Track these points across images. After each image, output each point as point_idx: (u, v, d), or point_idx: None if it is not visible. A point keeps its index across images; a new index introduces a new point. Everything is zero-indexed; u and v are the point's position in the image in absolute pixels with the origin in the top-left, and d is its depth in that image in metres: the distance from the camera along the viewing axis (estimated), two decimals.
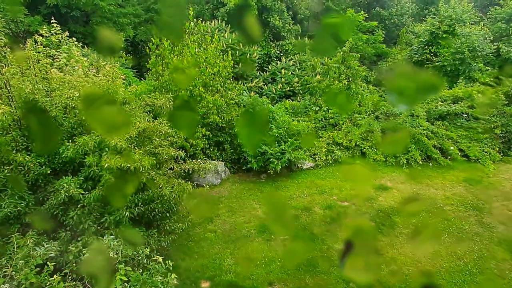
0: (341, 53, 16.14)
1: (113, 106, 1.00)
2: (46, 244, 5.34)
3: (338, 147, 13.76)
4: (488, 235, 8.99)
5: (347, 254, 1.05)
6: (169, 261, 5.59)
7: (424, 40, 20.17)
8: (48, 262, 4.89)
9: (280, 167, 11.63)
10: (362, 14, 21.73)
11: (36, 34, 8.57)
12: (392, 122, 14.06)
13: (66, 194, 5.99)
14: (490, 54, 18.62)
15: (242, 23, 1.03)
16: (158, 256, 5.55)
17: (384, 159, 13.29)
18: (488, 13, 24.83)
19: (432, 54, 19.35)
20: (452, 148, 13.31)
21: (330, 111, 15.07)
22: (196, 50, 12.17)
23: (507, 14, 21.90)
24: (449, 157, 13.25)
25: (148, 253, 5.69)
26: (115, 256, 5.18)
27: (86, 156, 6.49)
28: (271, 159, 11.68)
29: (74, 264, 5.22)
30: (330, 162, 13.21)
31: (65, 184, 6.07)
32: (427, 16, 22.10)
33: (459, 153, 13.32)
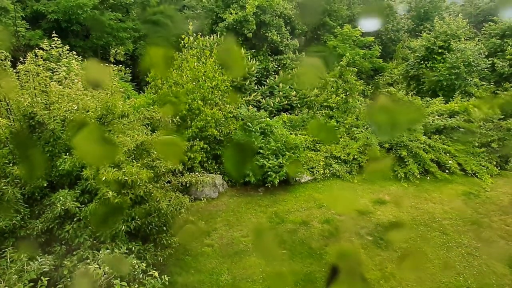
0: (339, 67, 16.32)
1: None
2: (40, 258, 5.27)
3: (336, 160, 13.76)
4: (487, 250, 8.93)
5: (332, 281, 1.04)
6: (165, 276, 5.52)
7: (420, 55, 20.43)
8: (42, 277, 4.81)
9: (278, 180, 11.61)
10: (359, 30, 22.05)
11: (36, 48, 8.65)
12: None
13: (62, 207, 5.94)
14: (485, 69, 18.85)
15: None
16: (154, 271, 5.48)
17: (382, 173, 13.27)
18: (482, 29, 25.26)
19: (428, 69, 19.57)
20: (450, 162, 13.34)
21: (327, 124, 15.12)
22: (195, 64, 12.29)
23: (501, 30, 22.27)
24: (447, 171, 13.26)
25: (144, 267, 5.61)
26: (111, 271, 5.11)
27: (83, 169, 6.47)
28: (269, 173, 11.66)
29: (69, 279, 5.14)
30: (328, 175, 13.20)
31: (61, 198, 6.03)
32: (422, 31, 22.45)
33: (457, 167, 13.33)
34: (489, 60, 18.91)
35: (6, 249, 5.22)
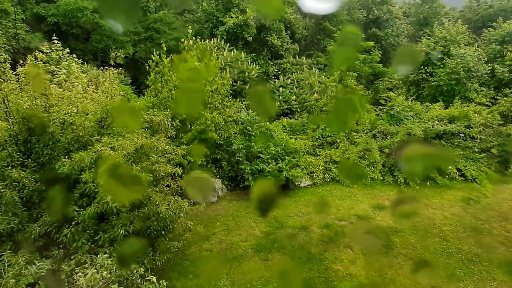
0: (339, 72, 16.35)
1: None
2: (38, 262, 5.22)
3: (336, 165, 13.73)
4: (487, 256, 8.88)
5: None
6: (163, 281, 5.47)
7: (419, 60, 20.48)
8: (39, 281, 4.77)
9: (278, 185, 11.57)
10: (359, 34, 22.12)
11: (36, 51, 8.65)
12: (389, 141, 14.11)
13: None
14: (485, 75, 18.91)
15: None
16: (152, 276, 5.43)
17: (381, 178, 13.26)
18: (481, 35, 25.38)
19: (427, 74, 19.62)
20: (450, 167, 13.31)
21: (327, 129, 15.14)
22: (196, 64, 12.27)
23: (500, 36, 22.38)
24: (447, 177, 13.24)
25: (143, 272, 5.56)
26: (109, 275, 5.06)
27: (82, 173, 6.43)
28: (269, 177, 11.62)
29: (66, 284, 5.09)
30: (328, 180, 13.17)
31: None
32: (422, 37, 22.55)
33: (457, 173, 13.31)
34: (488, 66, 18.98)
35: (3, 253, 5.17)
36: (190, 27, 13.45)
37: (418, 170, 1.03)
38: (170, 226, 7.49)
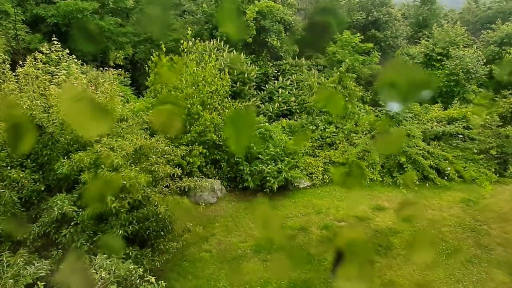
0: (338, 73, 16.37)
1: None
2: (37, 263, 5.22)
3: (335, 166, 13.74)
4: (486, 257, 8.90)
5: (338, 265, 1.02)
6: (162, 281, 5.46)
7: (418, 61, 20.53)
8: (38, 282, 4.76)
9: (277, 186, 11.57)
10: (358, 36, 22.16)
11: (36, 51, 8.65)
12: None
13: (60, 211, 5.89)
14: (483, 76, 18.96)
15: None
16: (151, 277, 5.43)
17: (380, 179, 13.27)
18: (480, 37, 25.44)
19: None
20: (449, 168, 13.33)
21: (326, 130, 15.15)
22: (195, 68, 12.30)
23: (499, 37, 22.45)
24: (446, 178, 13.24)
25: (142, 273, 5.56)
26: (107, 276, 5.06)
27: (81, 173, 6.43)
28: (268, 178, 11.63)
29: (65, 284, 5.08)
30: (327, 181, 13.16)
31: (58, 201, 5.98)
32: (421, 38, 22.60)
33: (456, 174, 13.32)
34: (487, 67, 19.02)
35: (2, 253, 5.16)
36: (189, 28, 13.46)
37: (399, 94, 1.02)
38: (169, 227, 7.49)
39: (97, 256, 5.53)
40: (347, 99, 16.05)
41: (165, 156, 8.04)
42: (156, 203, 6.96)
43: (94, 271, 5.12)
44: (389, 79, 1.01)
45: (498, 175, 13.66)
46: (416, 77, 1.00)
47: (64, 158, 6.54)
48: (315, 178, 13.10)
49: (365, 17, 27.99)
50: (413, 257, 8.52)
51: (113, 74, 11.46)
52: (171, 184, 8.24)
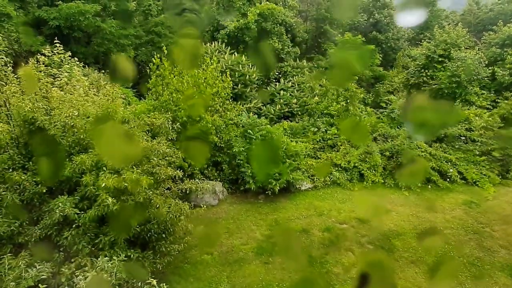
0: None
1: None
2: (39, 265, 5.21)
3: (337, 168, 13.71)
4: (489, 260, 8.85)
5: None
6: (164, 284, 5.45)
7: (420, 63, 20.50)
8: (40, 284, 4.76)
9: (278, 188, 11.55)
10: (359, 38, 22.18)
11: (38, 54, 8.67)
12: (390, 144, 14.08)
13: (61, 213, 5.89)
14: (485, 78, 18.91)
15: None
16: (152, 279, 5.41)
17: (382, 181, 13.23)
18: (482, 38, 25.40)
19: (428, 77, 19.62)
20: (451, 170, 13.28)
21: (328, 132, 15.13)
22: (196, 71, 12.30)
23: (501, 39, 22.41)
24: (448, 180, 13.19)
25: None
26: (109, 278, 5.05)
27: (83, 175, 6.43)
28: (269, 180, 11.60)
29: (66, 287, 5.08)
30: (329, 183, 13.13)
31: (60, 204, 5.98)
32: (422, 40, 22.57)
33: (458, 176, 13.27)
34: (489, 69, 18.98)
35: (4, 256, 5.16)
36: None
37: (425, 127, 1.01)
38: (171, 229, 7.48)
39: (99, 259, 5.53)
40: (348, 101, 16.05)
41: (167, 158, 8.03)
42: (157, 205, 6.95)
43: (95, 273, 5.11)
44: (417, 117, 1.02)
45: (500, 177, 13.59)
46: (443, 113, 1.01)
47: (66, 161, 6.53)
48: (316, 180, 13.07)
49: (366, 19, 28.00)
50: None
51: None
52: (172, 186, 8.24)
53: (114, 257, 5.62)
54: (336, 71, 1.03)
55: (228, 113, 13.19)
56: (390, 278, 1.01)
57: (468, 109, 16.17)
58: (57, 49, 9.77)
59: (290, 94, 19.28)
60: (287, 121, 16.85)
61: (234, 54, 19.43)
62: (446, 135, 14.59)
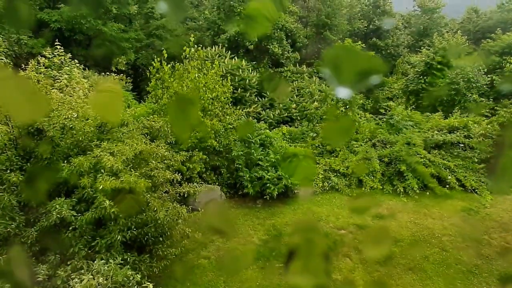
0: None
1: None
2: (34, 267, 5.18)
3: (335, 174, 13.71)
4: (487, 268, 8.82)
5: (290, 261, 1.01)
6: None
7: (419, 70, 20.60)
8: (35, 287, 4.72)
9: (277, 193, 11.53)
10: (359, 44, 22.30)
11: (39, 56, 8.69)
12: (388, 150, 14.09)
13: (58, 215, 5.86)
14: (484, 86, 18.99)
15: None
16: (149, 283, 5.39)
17: (381, 187, 13.22)
18: (481, 46, 25.55)
19: (427, 84, 19.71)
20: (449, 177, 13.28)
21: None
22: (196, 75, 12.35)
23: (500, 47, 22.54)
24: (447, 186, 13.19)
25: (139, 279, 5.52)
26: (105, 282, 5.02)
27: (81, 177, 6.42)
28: (268, 185, 11.59)
29: None
30: (327, 189, 13.12)
31: (57, 206, 5.96)
32: (422, 47, 22.71)
33: (457, 183, 13.26)
34: (488, 77, 19.07)
35: None
36: (191, 34, 13.54)
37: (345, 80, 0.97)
38: (168, 233, 7.45)
39: (95, 262, 5.51)
40: (347, 106, 16.08)
41: (165, 161, 8.03)
42: (155, 209, 6.93)
43: (91, 276, 5.08)
44: (332, 63, 0.97)
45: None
46: (360, 62, 0.96)
47: (64, 162, 6.53)
48: (315, 186, 13.06)
49: (366, 25, 28.18)
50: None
51: (114, 79, 11.50)
52: (170, 190, 8.22)
53: (111, 260, 5.59)
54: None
55: (228, 117, 13.20)
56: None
57: (467, 116, 16.20)
58: (58, 51, 9.81)
59: (289, 99, 19.34)
60: (286, 126, 16.88)
61: (234, 59, 19.51)
62: (445, 142, 14.61)
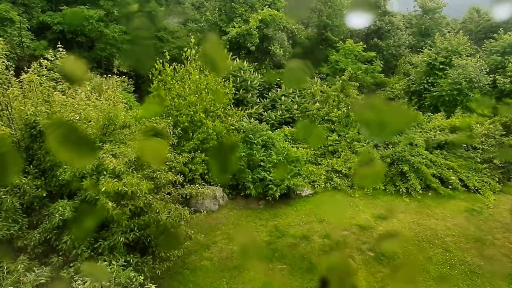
0: (340, 81, 16.40)
1: None
2: (37, 269, 5.19)
3: (337, 174, 13.68)
4: (490, 268, 8.78)
5: None
6: None
7: (421, 70, 20.55)
8: None
9: (279, 194, 11.52)
10: (360, 45, 22.27)
11: (41, 58, 8.70)
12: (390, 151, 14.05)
13: (61, 217, 5.87)
14: (486, 86, 18.92)
15: None
16: (151, 284, 5.38)
17: (383, 188, 13.18)
18: (483, 46, 25.47)
19: (429, 84, 19.66)
20: (453, 178, 13.23)
21: (329, 138, 15.11)
22: (198, 76, 12.36)
23: (501, 47, 22.45)
24: (450, 187, 13.14)
25: (142, 281, 5.52)
26: (108, 283, 5.02)
27: (83, 179, 6.42)
28: (270, 186, 11.58)
29: None
30: (329, 189, 13.10)
31: (60, 208, 5.97)
32: (423, 47, 22.65)
33: (460, 183, 13.22)
34: (490, 77, 19.00)
35: (2, 260, 5.13)
36: (193, 36, 13.56)
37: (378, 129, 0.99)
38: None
39: (98, 263, 5.51)
40: (349, 107, 16.06)
41: (167, 163, 8.03)
42: (157, 210, 6.93)
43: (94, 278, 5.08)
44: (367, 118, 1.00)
45: (502, 184, 13.54)
46: (395, 115, 0.99)
47: (66, 165, 6.53)
48: (317, 186, 13.04)
49: (367, 26, 28.11)
50: None
51: (116, 81, 11.52)
52: (173, 191, 8.23)
53: (113, 262, 5.59)
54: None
55: (230, 118, 13.20)
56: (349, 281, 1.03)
57: (469, 116, 16.15)
58: (60, 53, 9.82)
59: (291, 100, 19.32)
60: (288, 127, 16.85)
61: (236, 60, 19.50)
62: (447, 142, 14.57)
